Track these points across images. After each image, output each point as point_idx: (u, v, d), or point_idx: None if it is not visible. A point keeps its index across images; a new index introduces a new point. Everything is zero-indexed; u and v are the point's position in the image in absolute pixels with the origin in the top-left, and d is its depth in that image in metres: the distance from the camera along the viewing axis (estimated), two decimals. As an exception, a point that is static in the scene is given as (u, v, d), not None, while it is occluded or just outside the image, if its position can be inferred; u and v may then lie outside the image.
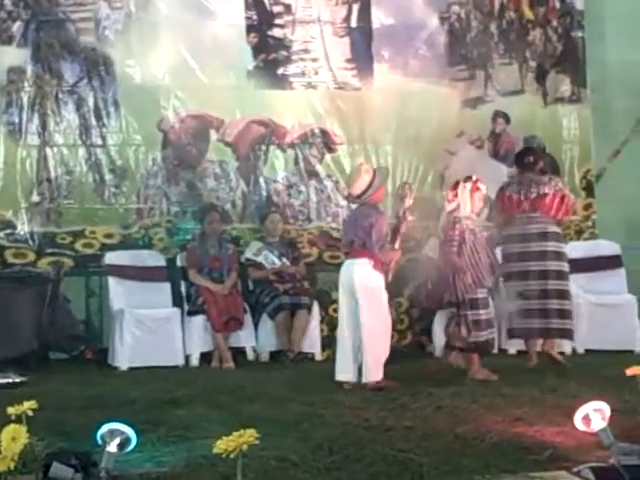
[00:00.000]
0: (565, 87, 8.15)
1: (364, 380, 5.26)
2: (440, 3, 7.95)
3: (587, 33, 8.18)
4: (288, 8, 7.62)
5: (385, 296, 5.39)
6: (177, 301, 6.77)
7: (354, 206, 5.77)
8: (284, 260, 7.02)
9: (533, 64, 8.11)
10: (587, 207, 7.96)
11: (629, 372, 3.66)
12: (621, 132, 8.13)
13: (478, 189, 5.68)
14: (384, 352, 5.35)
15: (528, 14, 8.17)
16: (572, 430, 3.58)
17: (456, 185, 5.71)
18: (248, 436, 2.50)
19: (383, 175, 5.60)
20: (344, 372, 5.37)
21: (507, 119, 7.96)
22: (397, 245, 5.43)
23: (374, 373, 5.25)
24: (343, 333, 5.44)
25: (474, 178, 5.71)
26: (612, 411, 3.47)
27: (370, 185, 5.32)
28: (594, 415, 3.42)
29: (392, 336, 6.99)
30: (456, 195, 5.65)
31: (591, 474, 3.19)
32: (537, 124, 8.05)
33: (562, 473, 3.17)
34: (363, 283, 5.30)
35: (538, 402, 4.52)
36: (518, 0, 8.16)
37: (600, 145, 8.09)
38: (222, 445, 2.57)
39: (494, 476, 3.15)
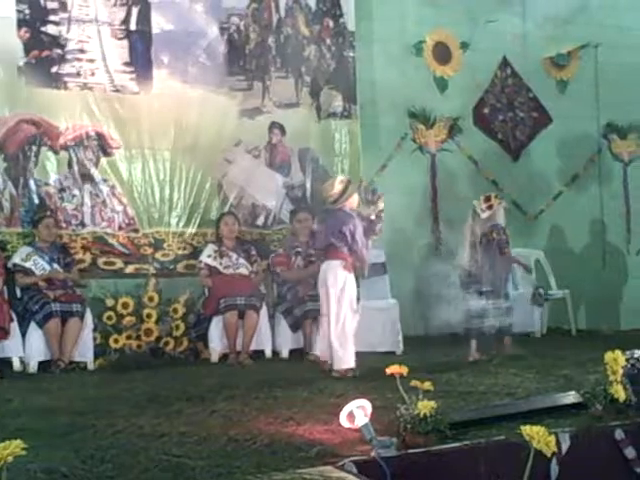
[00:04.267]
0: (337, 103, 8.57)
1: (335, 367, 5.80)
2: (220, 13, 8.06)
3: (358, 53, 8.68)
4: (63, 5, 7.35)
5: (354, 293, 5.91)
6: None
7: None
8: (55, 266, 6.76)
9: (308, 79, 8.45)
10: (356, 217, 8.41)
11: (388, 371, 3.96)
12: (387, 147, 8.71)
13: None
14: (352, 343, 5.87)
15: (304, 31, 8.51)
16: (338, 427, 3.84)
17: (488, 198, 6.67)
18: (13, 447, 2.41)
19: (355, 186, 6.23)
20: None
21: (283, 130, 8.23)
22: (369, 245, 5.98)
23: (345, 361, 5.80)
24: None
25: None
26: (374, 408, 3.75)
27: (343, 193, 5.85)
28: (357, 412, 3.69)
29: (167, 343, 7.08)
30: (489, 207, 6.59)
31: (354, 467, 3.42)
32: (311, 137, 8.40)
33: (328, 468, 3.36)
34: (336, 281, 5.82)
35: (307, 402, 4.74)
36: (295, 16, 8.48)
37: (368, 159, 8.61)
38: (-16, 458, 2.45)
39: (265, 475, 3.27)
